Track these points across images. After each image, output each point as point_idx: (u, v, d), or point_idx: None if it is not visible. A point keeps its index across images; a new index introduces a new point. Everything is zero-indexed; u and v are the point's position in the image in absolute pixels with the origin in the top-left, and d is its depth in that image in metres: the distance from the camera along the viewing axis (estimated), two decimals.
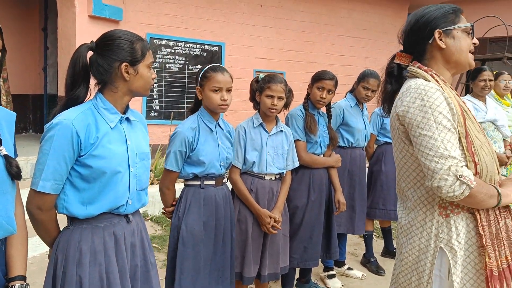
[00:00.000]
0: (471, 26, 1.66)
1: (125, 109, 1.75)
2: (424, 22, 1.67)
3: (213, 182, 2.41)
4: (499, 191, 1.56)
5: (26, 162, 5.26)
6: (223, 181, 2.48)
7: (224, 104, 2.34)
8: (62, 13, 5.73)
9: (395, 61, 1.77)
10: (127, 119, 1.74)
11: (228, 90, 2.36)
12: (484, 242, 1.54)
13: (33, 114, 7.90)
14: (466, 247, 1.59)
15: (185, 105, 6.74)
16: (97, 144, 1.59)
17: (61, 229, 1.69)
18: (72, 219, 1.65)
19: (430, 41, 1.66)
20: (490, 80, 3.91)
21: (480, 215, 1.56)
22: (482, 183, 1.54)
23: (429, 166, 1.50)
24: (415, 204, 1.66)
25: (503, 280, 1.55)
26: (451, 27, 1.64)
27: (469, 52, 1.67)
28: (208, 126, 2.39)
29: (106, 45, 1.65)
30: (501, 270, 1.57)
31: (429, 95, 1.53)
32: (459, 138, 1.54)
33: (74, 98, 1.64)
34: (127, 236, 1.70)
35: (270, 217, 2.64)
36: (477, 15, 8.99)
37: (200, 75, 2.39)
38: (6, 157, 1.33)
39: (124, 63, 1.64)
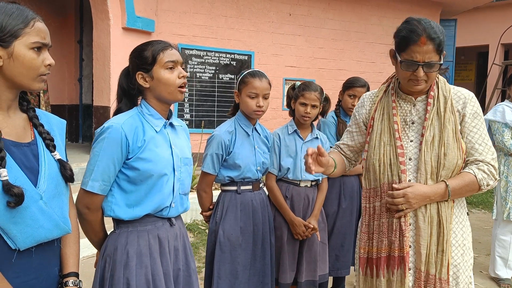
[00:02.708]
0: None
1: (169, 115, 1.80)
2: None
3: (249, 187, 2.42)
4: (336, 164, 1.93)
5: None
6: (260, 186, 2.49)
7: (259, 110, 2.36)
8: (97, 26, 5.91)
9: None
10: (171, 124, 1.78)
11: (265, 96, 2.38)
12: (359, 228, 1.93)
13: (69, 124, 8.12)
14: None
15: (215, 114, 6.81)
16: (144, 147, 1.64)
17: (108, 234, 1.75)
18: (118, 223, 1.70)
19: None
20: None
21: (367, 204, 1.86)
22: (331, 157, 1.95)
23: None
24: None
25: (373, 266, 1.82)
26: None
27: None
28: (245, 130, 2.41)
29: (129, 62, 1.75)
30: (374, 257, 1.82)
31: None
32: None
33: (117, 110, 1.75)
34: (170, 239, 1.73)
35: (306, 226, 2.64)
36: (510, 21, 8.77)
37: (239, 80, 2.43)
38: (60, 161, 1.39)
39: (138, 73, 1.69)
